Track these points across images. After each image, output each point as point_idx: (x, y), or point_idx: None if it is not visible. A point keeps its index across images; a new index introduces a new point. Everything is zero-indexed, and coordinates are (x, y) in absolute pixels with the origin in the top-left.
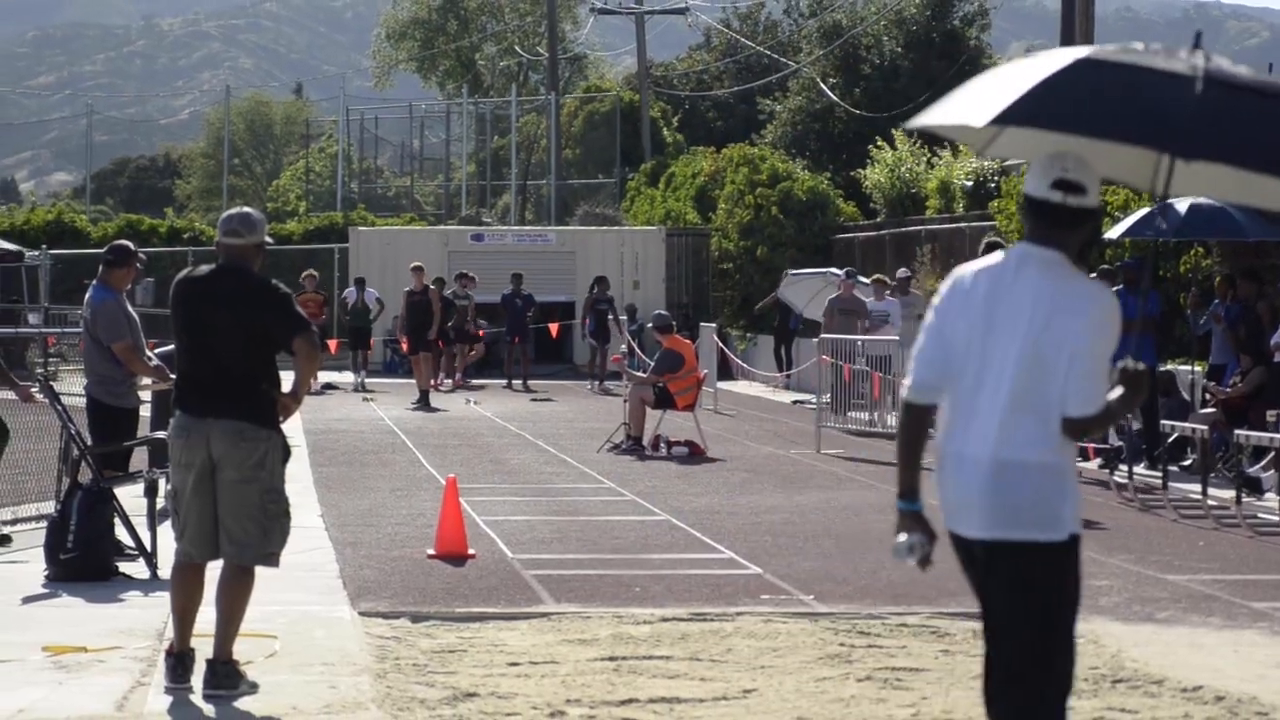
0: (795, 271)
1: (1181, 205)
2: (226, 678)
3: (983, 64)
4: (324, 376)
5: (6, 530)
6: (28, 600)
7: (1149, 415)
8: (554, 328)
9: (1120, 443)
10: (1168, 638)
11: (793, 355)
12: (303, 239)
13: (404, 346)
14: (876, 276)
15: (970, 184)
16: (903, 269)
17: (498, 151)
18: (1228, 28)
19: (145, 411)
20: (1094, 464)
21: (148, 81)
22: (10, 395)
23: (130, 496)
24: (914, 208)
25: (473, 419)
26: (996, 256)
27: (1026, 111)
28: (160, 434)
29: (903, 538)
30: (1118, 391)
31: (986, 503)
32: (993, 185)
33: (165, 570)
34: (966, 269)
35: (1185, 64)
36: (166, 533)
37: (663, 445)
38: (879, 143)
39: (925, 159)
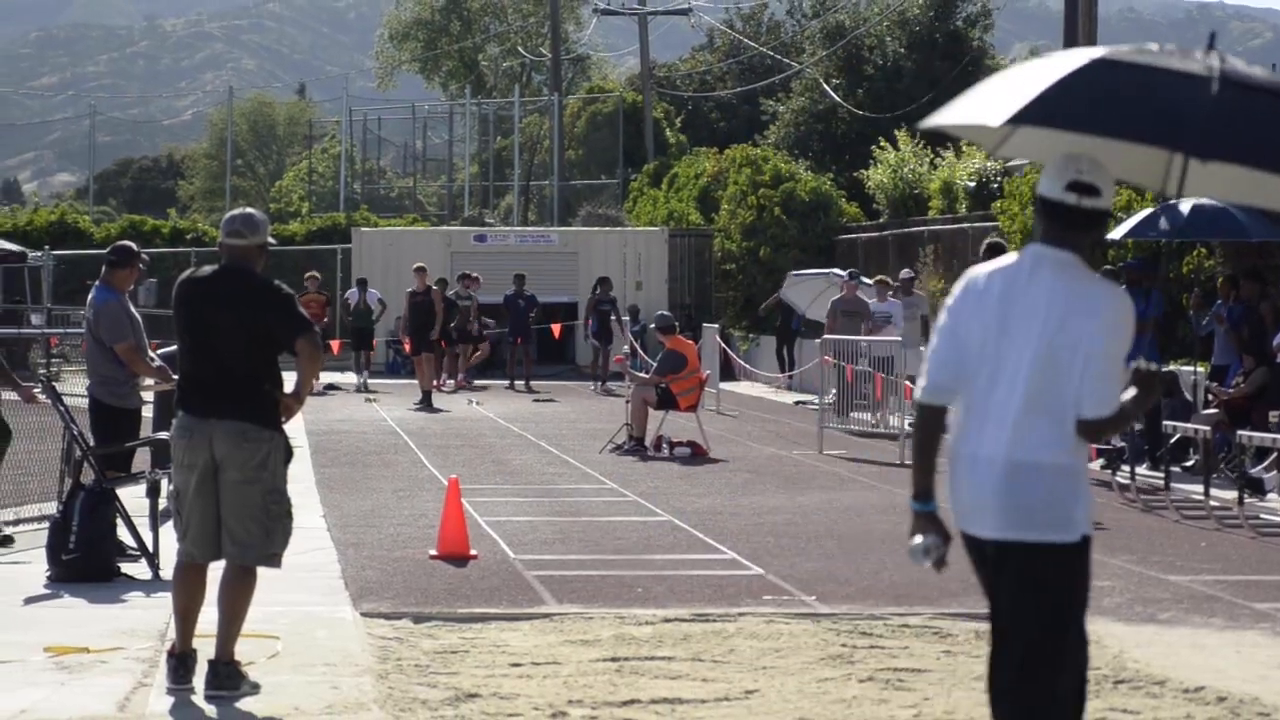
0: (798, 272)
1: (1184, 206)
2: (228, 678)
3: (985, 65)
4: (326, 377)
5: (9, 531)
6: (30, 601)
7: (1151, 416)
8: (556, 328)
9: (1123, 443)
10: (1170, 638)
11: (794, 356)
12: (305, 240)
13: (406, 347)
14: (879, 277)
15: (973, 184)
16: (906, 270)
17: (500, 152)
18: (1231, 28)
19: (148, 412)
20: (1096, 464)
21: (151, 82)
22: (13, 396)
23: (132, 497)
24: (917, 208)
25: (475, 420)
26: (1010, 257)
27: (1042, 111)
28: (162, 435)
29: (918, 539)
30: (1131, 392)
31: (1000, 503)
32: (995, 186)
33: (167, 571)
34: (980, 270)
35: (1201, 65)
36: (168, 533)
37: (665, 446)
38: (882, 143)
39: (928, 160)
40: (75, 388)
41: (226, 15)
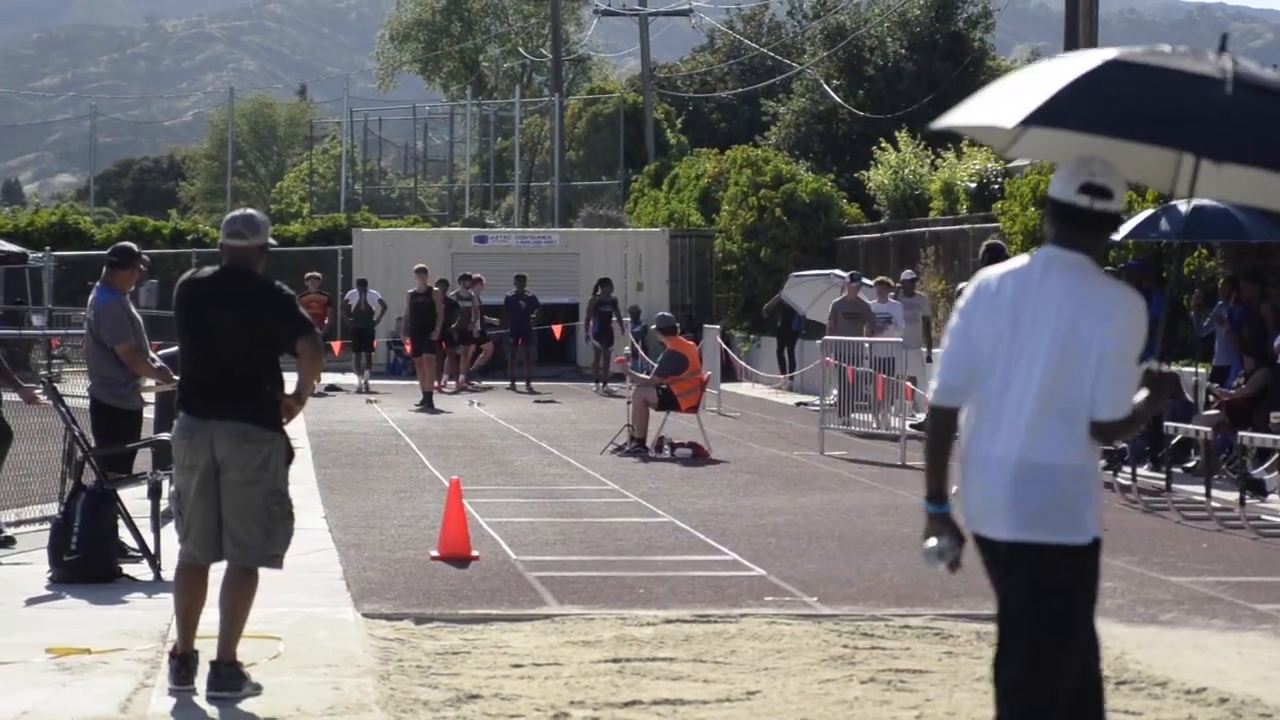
0: (799, 273)
1: (1185, 206)
2: (230, 679)
3: (986, 66)
4: (328, 378)
5: (10, 532)
6: (31, 602)
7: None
8: (557, 329)
9: (1124, 444)
10: (1171, 639)
11: (795, 357)
12: (306, 241)
13: (408, 348)
14: (880, 278)
15: (974, 185)
16: (907, 271)
17: (501, 153)
18: (1232, 29)
19: (149, 413)
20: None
21: (151, 83)
22: (14, 397)
23: (134, 498)
24: (917, 209)
25: (476, 421)
26: (1021, 259)
27: (1056, 113)
28: (164, 436)
29: (932, 542)
30: (1143, 394)
31: (1012, 505)
32: (996, 187)
33: (169, 572)
34: (992, 272)
35: (1214, 66)
36: (170, 534)
37: (666, 447)
38: (882, 144)
39: (929, 161)
40: (76, 389)
41: (227, 16)
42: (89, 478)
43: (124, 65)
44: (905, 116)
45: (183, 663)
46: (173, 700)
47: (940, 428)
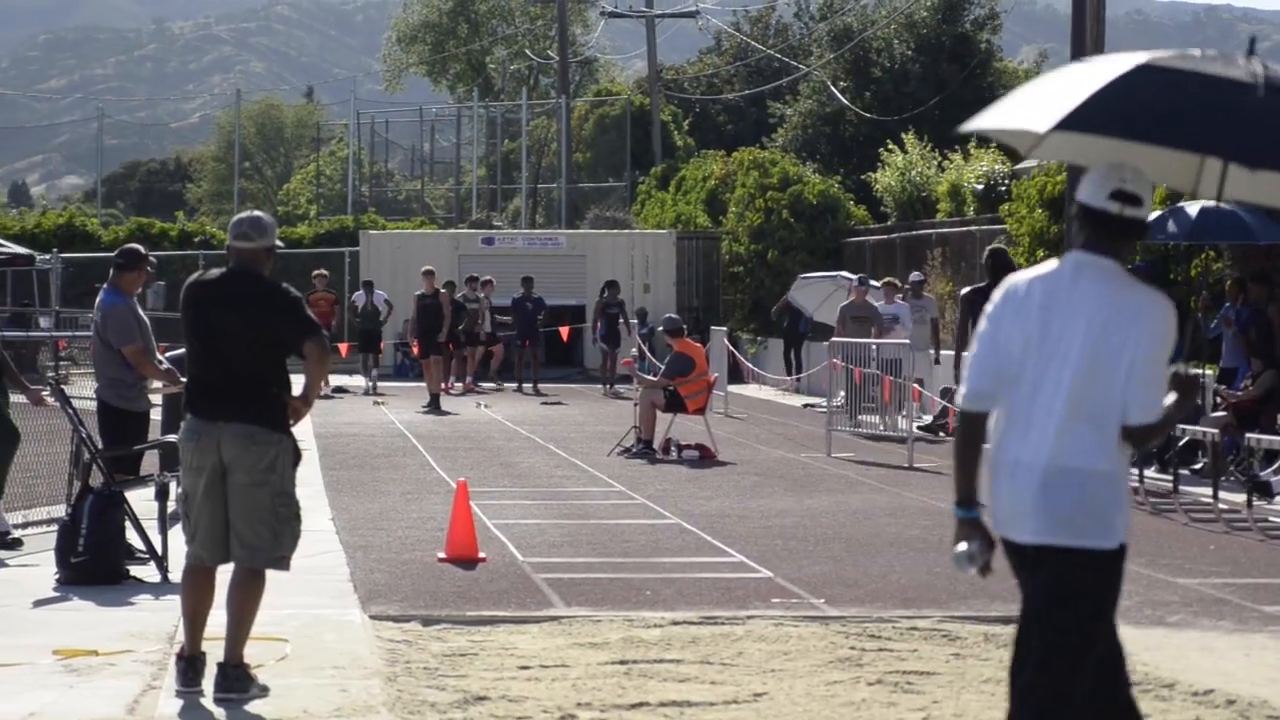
0: (806, 275)
1: (1192, 209)
2: (237, 681)
3: (993, 67)
4: (335, 380)
5: (18, 534)
6: (39, 604)
7: None
8: (564, 331)
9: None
10: (1178, 641)
11: (802, 359)
12: (313, 243)
13: (415, 350)
14: (887, 279)
15: (980, 187)
16: (915, 273)
17: (508, 155)
18: (1239, 31)
19: (156, 415)
20: None
21: (158, 85)
22: (21, 399)
23: (141, 500)
24: (924, 211)
25: (483, 422)
26: (1050, 264)
27: (1088, 118)
28: (171, 437)
29: (962, 546)
30: (1171, 397)
31: (1040, 508)
32: (1003, 189)
33: (176, 574)
34: (1020, 277)
35: (1244, 70)
36: (177, 536)
37: (673, 449)
38: (889, 146)
39: (936, 162)
40: (84, 390)
41: (234, 18)
42: (96, 479)
43: (131, 67)
44: (912, 118)
45: (190, 664)
46: (180, 702)
47: (969, 433)
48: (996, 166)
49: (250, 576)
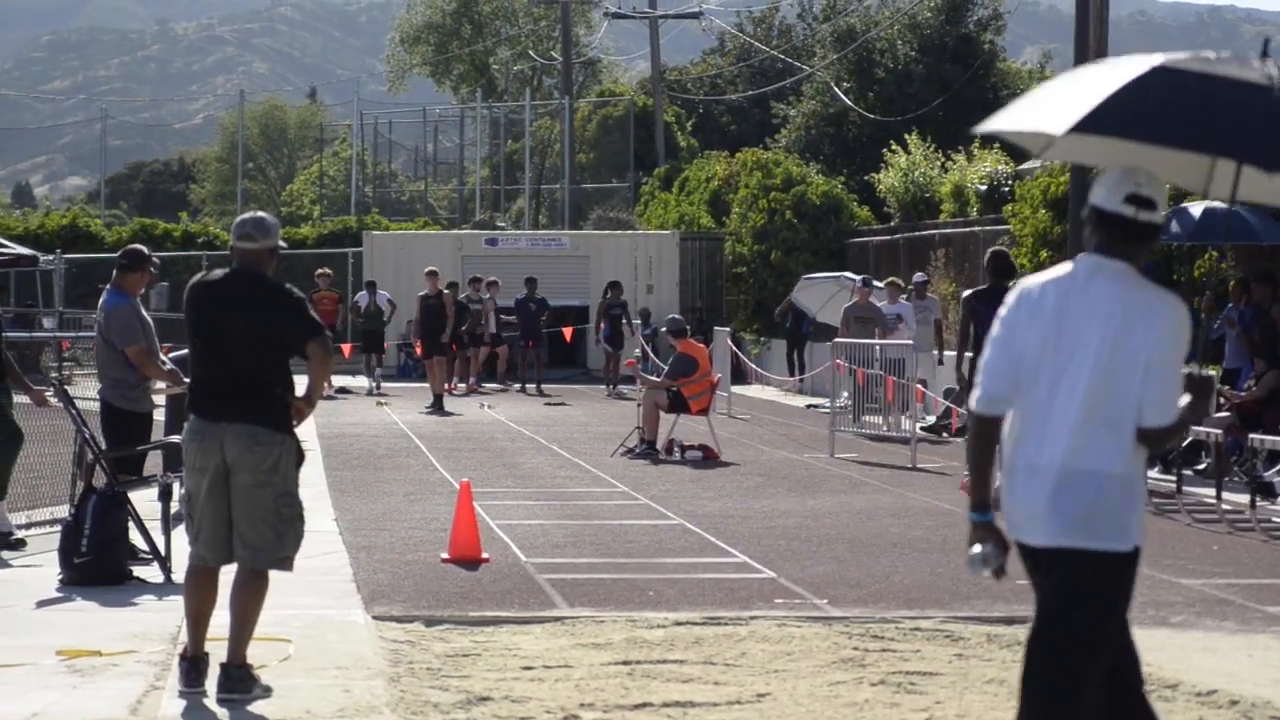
0: (809, 276)
1: (1195, 209)
2: (240, 681)
3: (996, 68)
4: (338, 381)
5: (21, 534)
6: (42, 604)
7: None
8: (568, 332)
9: None
10: (1182, 642)
11: (804, 359)
12: (317, 243)
13: (418, 351)
14: (890, 280)
15: (984, 188)
16: (919, 274)
17: (511, 156)
18: (1242, 31)
19: (159, 415)
20: None
21: (162, 86)
22: (25, 399)
23: (144, 500)
24: (928, 212)
25: (486, 423)
26: (1064, 267)
27: (1105, 120)
28: (174, 438)
29: (976, 549)
30: (1185, 399)
31: (1056, 511)
32: (1006, 189)
33: (179, 574)
34: (1034, 280)
35: (1259, 73)
36: (180, 537)
37: (676, 449)
38: (893, 147)
39: (939, 163)
40: (87, 391)
41: (237, 19)
42: (99, 480)
43: (134, 68)
44: (915, 119)
45: (193, 665)
46: (183, 702)
47: (983, 436)
48: (1000, 167)
49: (253, 577)
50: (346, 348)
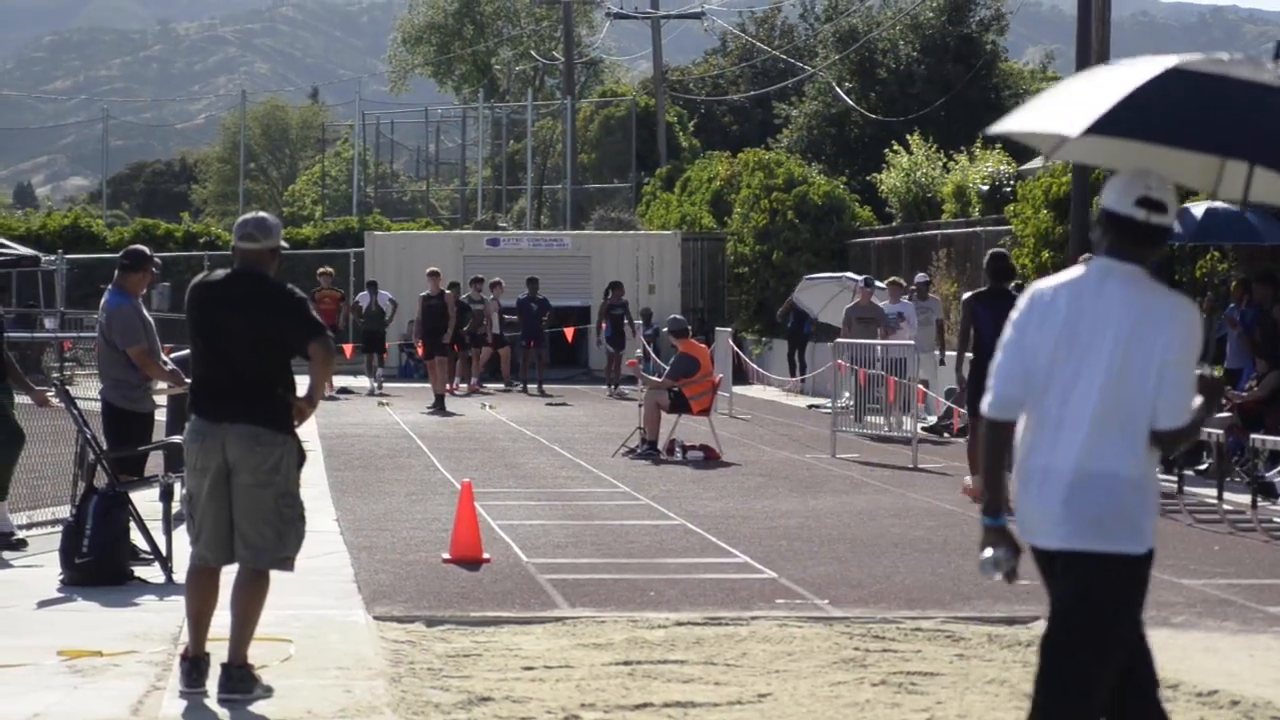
0: (811, 276)
1: (1197, 209)
2: (241, 682)
3: (998, 69)
4: (339, 381)
5: (22, 534)
6: (43, 604)
7: None
8: (569, 332)
9: None
10: (1183, 642)
11: (805, 360)
12: (318, 244)
13: (420, 351)
14: (892, 279)
15: (986, 188)
16: (921, 274)
17: (513, 156)
18: (1245, 31)
19: (160, 416)
20: None
21: (164, 86)
22: (26, 399)
23: (145, 501)
24: (929, 212)
25: (488, 423)
26: (1076, 270)
27: (1119, 122)
28: (176, 438)
29: (988, 553)
30: (1197, 401)
31: (1070, 514)
32: (1008, 189)
33: (180, 574)
34: (1045, 284)
35: (1272, 75)
36: (181, 537)
37: (678, 449)
38: (895, 147)
39: (941, 163)
40: (88, 391)
41: (239, 19)
42: (101, 480)
43: (136, 68)
44: (917, 119)
45: (194, 665)
46: (184, 703)
47: (996, 440)
48: (1002, 167)
49: (255, 577)
50: (348, 348)
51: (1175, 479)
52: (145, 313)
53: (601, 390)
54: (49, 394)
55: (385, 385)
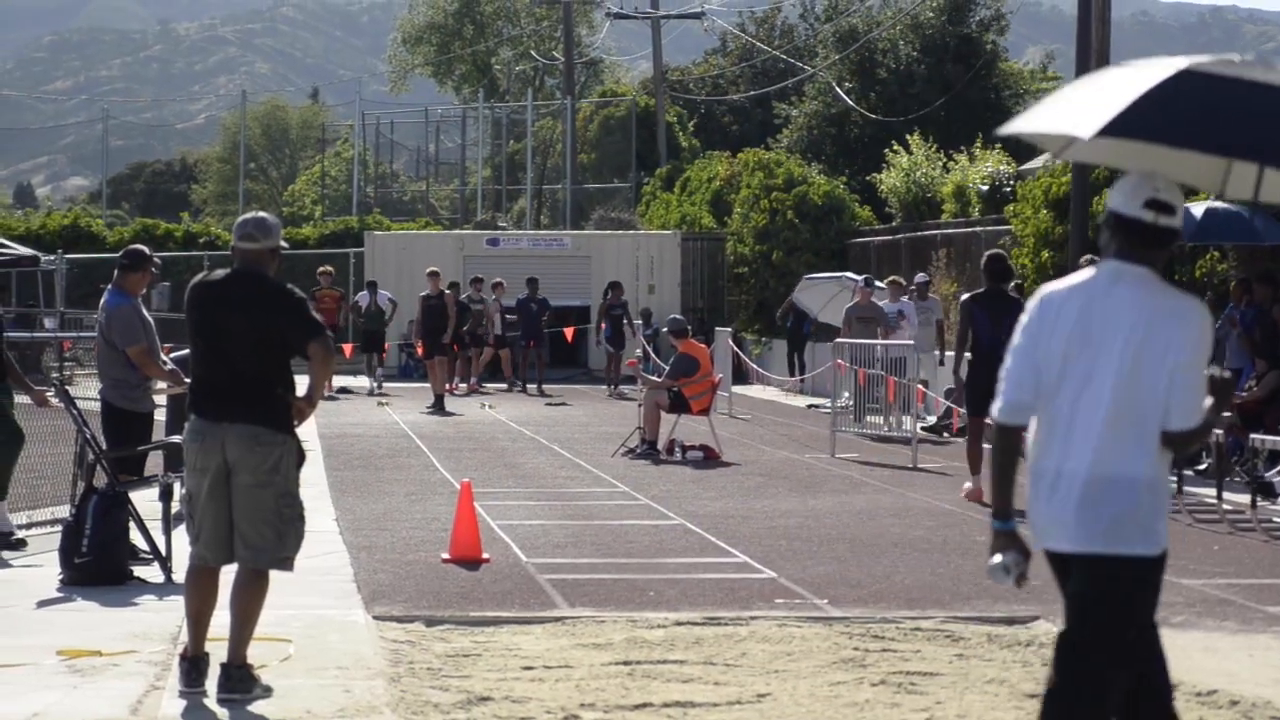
0: (811, 276)
1: (1197, 209)
2: (241, 681)
3: (998, 69)
4: (339, 381)
5: (21, 534)
6: (42, 604)
7: None
8: (569, 332)
9: None
10: (1182, 642)
11: (805, 360)
12: (318, 243)
13: (419, 351)
14: (892, 278)
15: (985, 188)
16: (921, 274)
17: (513, 156)
18: (1244, 32)
19: (160, 416)
20: None
21: (164, 86)
22: (26, 399)
23: (145, 501)
24: (929, 212)
25: (487, 423)
26: (1085, 273)
27: (1132, 124)
28: (175, 438)
29: (998, 558)
30: (1208, 402)
31: (1084, 517)
32: (1008, 189)
33: (180, 574)
34: (1054, 288)
35: None
36: (181, 537)
37: (677, 449)
38: (894, 147)
39: (941, 163)
40: (88, 391)
41: (239, 19)
42: (100, 480)
43: (136, 68)
44: (917, 119)
45: (193, 665)
46: (183, 702)
47: (1007, 445)
48: (1001, 167)
49: (254, 577)
50: (347, 348)
51: (1175, 479)
52: (145, 313)
53: (601, 390)
54: (48, 394)
55: (385, 385)
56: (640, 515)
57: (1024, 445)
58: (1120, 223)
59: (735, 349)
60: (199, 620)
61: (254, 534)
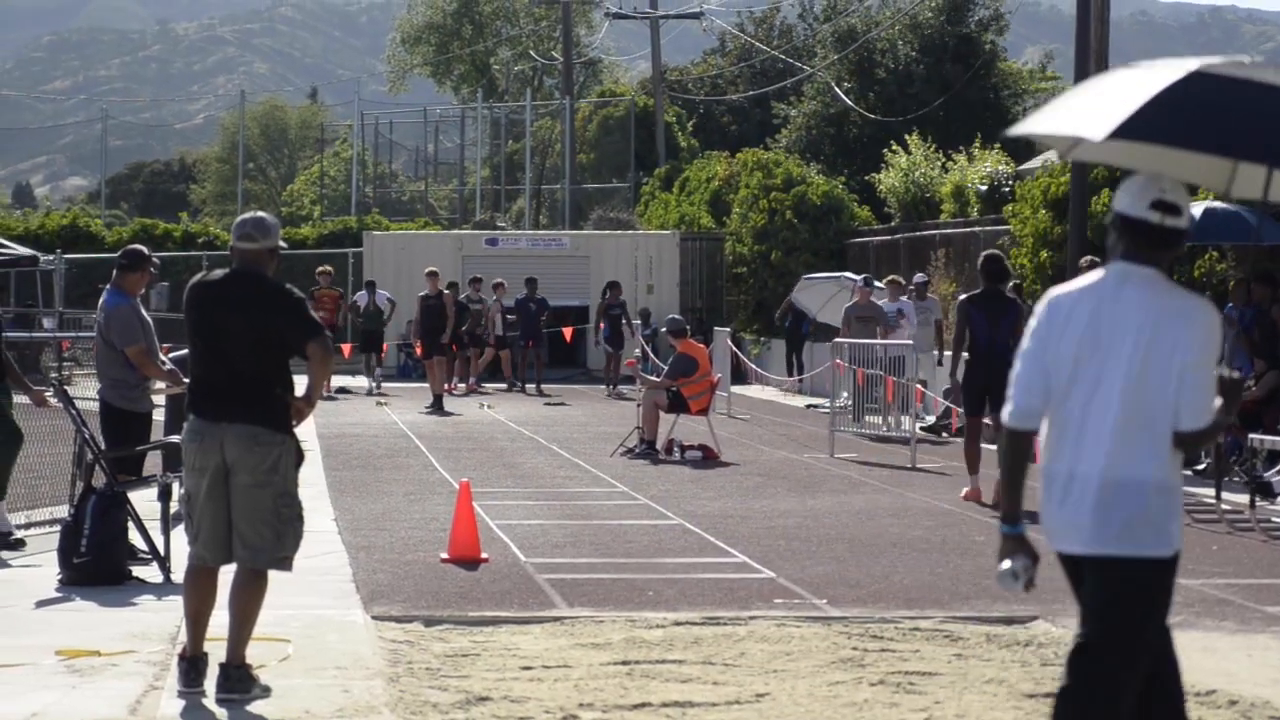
0: (810, 276)
1: (1196, 209)
2: (239, 681)
3: (997, 68)
4: (338, 381)
5: (20, 534)
6: (41, 604)
7: None
8: (568, 332)
9: None
10: (1181, 642)
11: (803, 360)
12: (317, 244)
13: (418, 351)
14: (891, 277)
15: (984, 188)
16: (920, 274)
17: (512, 156)
18: (1243, 32)
19: (159, 416)
20: None
21: (163, 86)
22: (24, 399)
23: (144, 501)
24: (928, 212)
25: (486, 423)
26: (1093, 275)
27: (1143, 126)
28: (174, 438)
29: (1007, 564)
30: (1218, 402)
31: (1098, 519)
32: (1007, 189)
33: (178, 574)
34: (1063, 291)
35: None
36: (180, 537)
37: (676, 449)
38: (893, 147)
39: (940, 163)
40: (87, 391)
41: (238, 19)
42: (99, 480)
43: (135, 68)
44: (916, 119)
45: (192, 665)
46: (182, 702)
47: (1016, 450)
48: (1000, 167)
49: (253, 577)
50: (346, 348)
51: None
52: (143, 312)
53: (600, 390)
54: (47, 394)
55: (383, 385)
56: (639, 515)
57: (1034, 449)
58: (1126, 224)
59: (734, 349)
60: (198, 620)
61: (252, 534)
